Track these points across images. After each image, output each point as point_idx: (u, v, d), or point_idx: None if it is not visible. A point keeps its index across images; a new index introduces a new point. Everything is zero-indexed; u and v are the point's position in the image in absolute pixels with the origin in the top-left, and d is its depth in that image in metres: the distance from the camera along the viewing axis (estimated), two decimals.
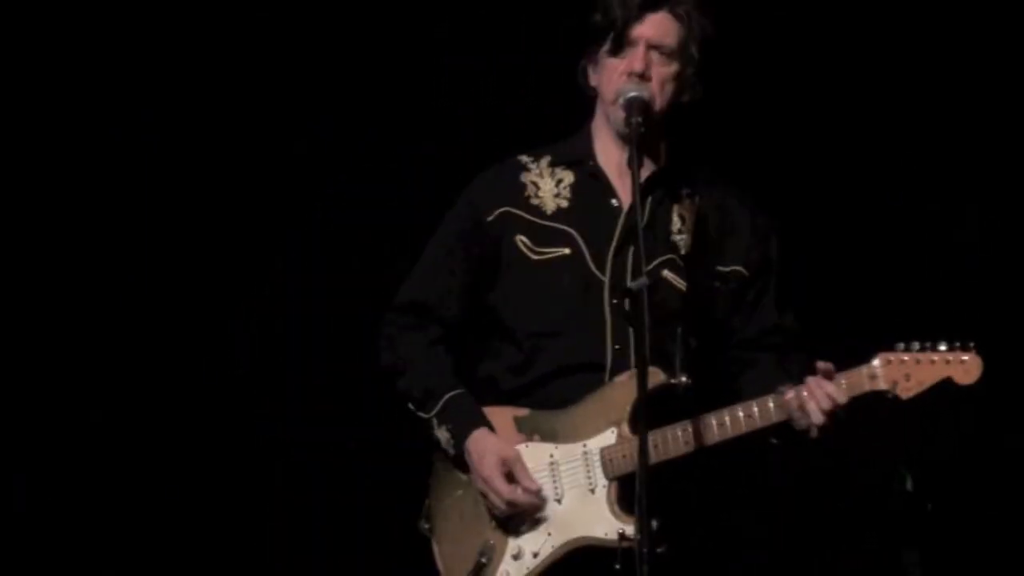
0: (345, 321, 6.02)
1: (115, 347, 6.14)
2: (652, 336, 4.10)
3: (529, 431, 4.46)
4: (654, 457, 4.20)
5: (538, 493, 4.39)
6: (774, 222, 4.61)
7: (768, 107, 5.99)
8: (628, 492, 4.29)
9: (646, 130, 4.35)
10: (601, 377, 4.42)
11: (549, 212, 4.53)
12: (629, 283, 4.27)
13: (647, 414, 4.10)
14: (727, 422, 4.31)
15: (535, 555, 4.41)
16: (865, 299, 5.98)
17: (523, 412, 4.48)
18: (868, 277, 6.03)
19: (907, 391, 4.26)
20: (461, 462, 4.48)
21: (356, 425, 6.05)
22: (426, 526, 4.57)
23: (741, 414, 4.32)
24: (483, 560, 4.43)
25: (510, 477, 4.40)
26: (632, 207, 4.37)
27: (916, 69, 6.00)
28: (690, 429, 4.32)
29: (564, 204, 4.53)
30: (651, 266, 4.41)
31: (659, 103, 4.42)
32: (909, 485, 5.73)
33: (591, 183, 4.54)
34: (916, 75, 6.00)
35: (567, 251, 4.48)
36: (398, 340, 4.58)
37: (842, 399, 4.26)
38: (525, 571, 4.40)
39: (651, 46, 4.42)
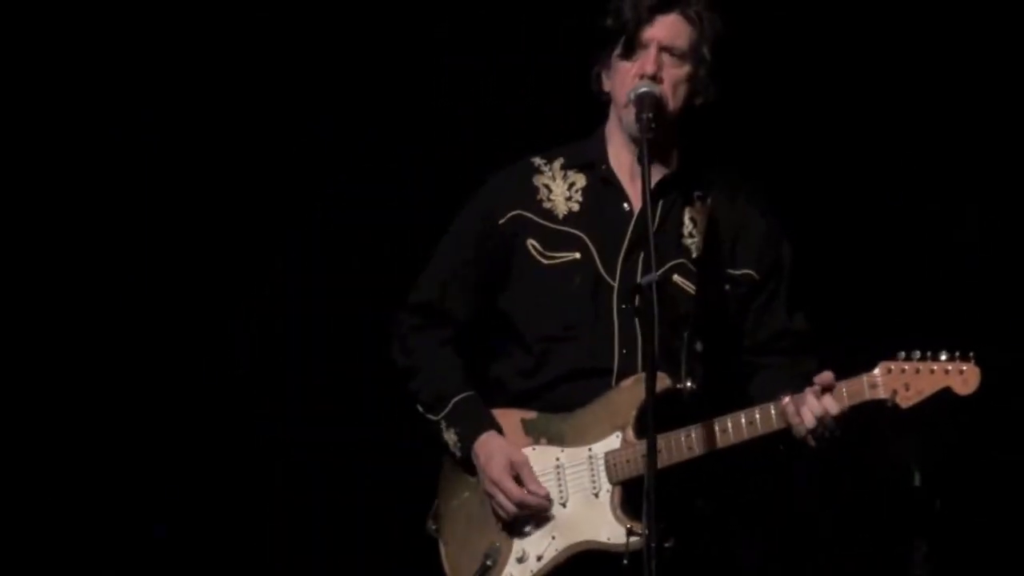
0: (345, 321, 6.03)
1: (115, 347, 6.14)
2: (660, 340, 4.11)
3: (536, 434, 4.46)
4: (658, 462, 4.17)
5: (545, 497, 4.40)
6: (786, 226, 4.60)
7: (767, 109, 5.99)
8: (632, 497, 4.30)
9: (657, 127, 4.31)
10: (608, 381, 4.41)
11: (560, 216, 4.51)
12: (639, 279, 4.27)
13: (654, 415, 4.09)
14: (729, 428, 4.31)
15: (539, 558, 4.41)
16: (865, 299, 5.98)
17: (531, 415, 4.47)
18: (868, 277, 6.03)
19: (906, 400, 4.26)
20: (468, 465, 4.48)
21: (356, 425, 6.06)
22: (433, 527, 4.57)
23: (743, 420, 4.31)
24: (488, 563, 4.44)
25: (517, 480, 4.40)
26: (643, 211, 4.34)
27: (916, 70, 6.00)
28: (694, 434, 4.32)
29: (576, 207, 4.51)
30: (661, 270, 4.39)
31: (672, 105, 4.41)
32: (917, 480, 5.73)
33: (603, 187, 4.52)
34: (916, 76, 6.00)
35: (577, 255, 4.47)
36: (409, 341, 4.58)
37: (834, 409, 4.24)
38: (529, 574, 4.41)
39: (663, 48, 4.39)
